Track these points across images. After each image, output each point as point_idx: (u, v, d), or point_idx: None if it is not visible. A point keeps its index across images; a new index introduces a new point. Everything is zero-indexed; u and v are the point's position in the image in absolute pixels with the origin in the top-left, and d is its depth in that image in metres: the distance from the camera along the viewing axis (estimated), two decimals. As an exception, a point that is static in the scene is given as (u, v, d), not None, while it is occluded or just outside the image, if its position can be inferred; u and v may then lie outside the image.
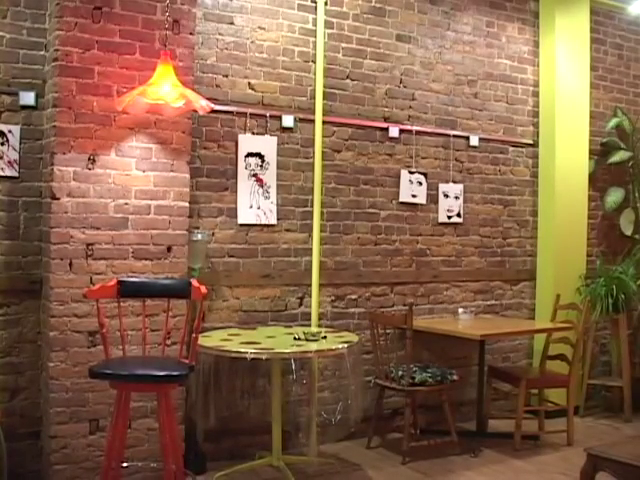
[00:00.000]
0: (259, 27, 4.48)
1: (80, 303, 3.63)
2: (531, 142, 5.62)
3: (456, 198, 5.25)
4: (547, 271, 5.55)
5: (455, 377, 4.56)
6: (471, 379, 5.15)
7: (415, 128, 5.06)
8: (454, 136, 5.24)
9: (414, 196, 5.08)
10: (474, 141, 5.32)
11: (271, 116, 4.48)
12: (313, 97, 4.64)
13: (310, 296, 4.61)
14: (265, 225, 4.48)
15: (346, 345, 3.87)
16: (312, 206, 4.64)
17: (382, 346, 4.51)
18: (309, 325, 4.56)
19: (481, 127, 5.39)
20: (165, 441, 3.34)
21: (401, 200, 5.02)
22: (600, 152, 5.87)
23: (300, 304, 4.61)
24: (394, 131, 4.97)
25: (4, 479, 3.48)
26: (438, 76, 5.19)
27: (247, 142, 4.39)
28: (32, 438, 3.78)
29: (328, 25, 4.71)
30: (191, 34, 3.93)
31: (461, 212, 5.28)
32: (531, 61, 5.63)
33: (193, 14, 3.96)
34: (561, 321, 5.13)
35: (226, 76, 4.37)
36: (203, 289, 3.38)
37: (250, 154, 4.41)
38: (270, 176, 4.48)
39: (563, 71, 5.51)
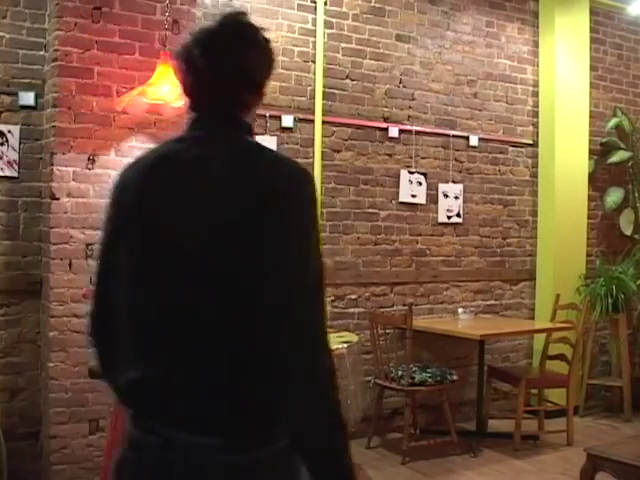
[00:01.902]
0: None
1: (80, 303, 3.62)
2: (531, 142, 5.63)
3: (456, 198, 5.25)
4: (547, 271, 5.55)
5: (455, 377, 4.55)
6: (471, 379, 5.15)
7: (415, 128, 5.06)
8: (454, 136, 5.24)
9: (414, 196, 5.08)
10: (474, 141, 5.33)
11: (271, 116, 4.48)
12: (313, 97, 4.64)
13: (310, 296, 4.60)
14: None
15: (346, 345, 3.87)
16: (312, 206, 4.63)
17: (382, 346, 4.51)
18: (309, 325, 4.55)
19: (481, 127, 5.39)
20: (165, 441, 3.34)
21: (401, 200, 5.02)
22: (600, 152, 5.87)
23: (300, 304, 4.60)
24: (394, 131, 4.97)
25: (4, 479, 3.48)
26: (438, 76, 5.19)
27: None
28: (32, 438, 3.78)
29: (328, 25, 4.71)
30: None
31: (461, 212, 5.28)
32: (531, 61, 5.63)
33: (193, 14, 3.96)
34: (561, 321, 5.13)
35: (226, 76, 4.37)
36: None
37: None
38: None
39: (563, 71, 5.51)
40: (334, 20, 4.75)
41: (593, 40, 5.75)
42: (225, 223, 1.33)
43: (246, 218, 1.32)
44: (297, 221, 1.34)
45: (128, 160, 3.81)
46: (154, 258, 1.38)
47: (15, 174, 3.77)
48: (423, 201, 5.11)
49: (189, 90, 1.46)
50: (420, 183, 5.09)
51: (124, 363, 1.42)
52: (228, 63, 1.42)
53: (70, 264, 3.63)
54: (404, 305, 4.90)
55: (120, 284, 1.44)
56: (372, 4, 4.91)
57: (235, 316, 1.31)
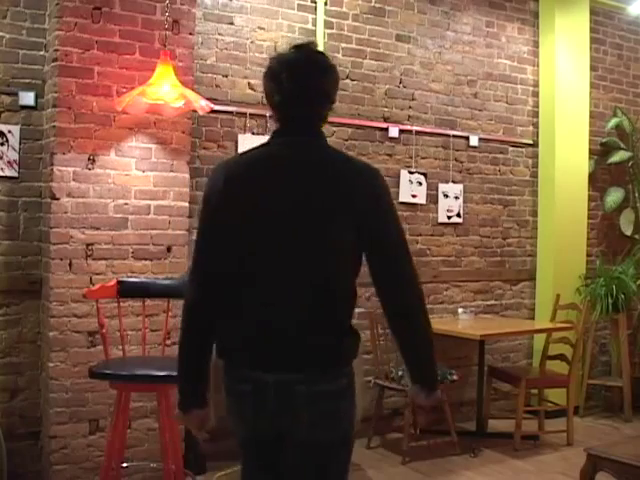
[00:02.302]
0: (259, 27, 4.48)
1: (80, 303, 3.63)
2: (531, 142, 5.62)
3: (456, 198, 5.25)
4: (547, 271, 5.55)
5: (455, 377, 4.55)
6: (471, 379, 5.14)
7: (415, 128, 5.06)
8: (454, 136, 5.24)
9: (414, 196, 5.07)
10: (474, 141, 5.32)
11: (271, 116, 4.47)
12: (313, 97, 4.63)
13: (310, 296, 4.60)
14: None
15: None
16: (312, 206, 4.63)
17: (382, 346, 4.51)
18: (309, 325, 4.55)
19: (481, 127, 5.39)
20: (165, 441, 3.34)
21: (401, 200, 5.02)
22: (600, 152, 5.87)
23: (300, 304, 4.60)
24: (394, 131, 4.97)
25: (4, 479, 3.48)
26: (438, 76, 5.19)
27: (247, 142, 4.38)
28: (32, 438, 3.79)
29: (328, 25, 4.71)
30: (191, 34, 3.93)
31: (461, 212, 5.28)
32: (531, 61, 5.63)
33: (193, 14, 3.96)
34: (561, 321, 5.13)
35: (226, 76, 4.38)
36: (203, 289, 3.38)
37: (250, 154, 4.40)
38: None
39: (563, 71, 5.51)
40: (334, 20, 4.74)
41: (593, 40, 5.75)
42: (321, 206, 1.81)
43: (337, 202, 1.82)
44: (378, 205, 1.91)
45: (128, 160, 3.77)
46: (268, 233, 1.81)
47: (15, 174, 3.77)
48: (423, 201, 5.11)
49: (276, 105, 1.88)
50: (420, 183, 5.09)
51: (223, 324, 1.87)
52: (309, 85, 1.85)
53: (70, 264, 3.63)
54: (404, 305, 4.89)
55: (223, 256, 1.84)
56: (372, 4, 4.91)
57: (326, 275, 1.83)
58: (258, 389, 1.83)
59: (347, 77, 4.81)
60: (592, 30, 5.72)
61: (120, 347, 3.48)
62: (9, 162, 3.75)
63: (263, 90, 1.93)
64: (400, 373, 4.43)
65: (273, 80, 1.86)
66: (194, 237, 4.02)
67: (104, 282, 3.55)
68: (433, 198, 5.16)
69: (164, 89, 3.56)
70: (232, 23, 4.40)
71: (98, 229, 3.70)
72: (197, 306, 1.87)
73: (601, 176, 5.91)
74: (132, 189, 3.78)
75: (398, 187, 5.00)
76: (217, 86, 4.34)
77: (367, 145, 4.89)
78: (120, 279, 3.54)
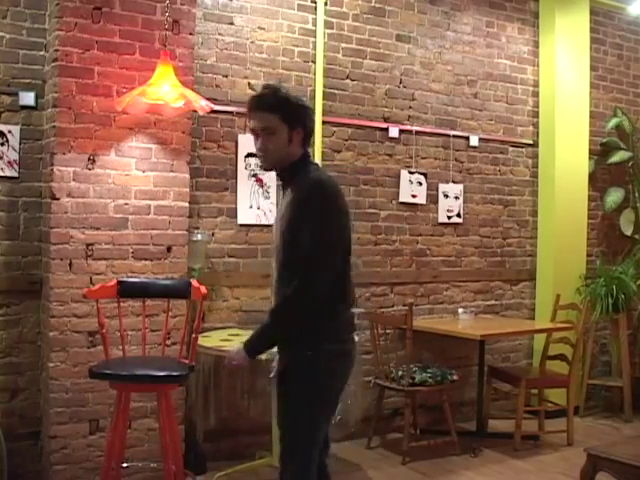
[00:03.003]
0: (259, 27, 4.48)
1: (80, 303, 3.63)
2: (531, 142, 5.62)
3: (456, 198, 5.25)
4: (547, 271, 5.55)
5: (455, 377, 4.55)
6: (471, 379, 5.15)
7: (415, 128, 5.06)
8: (454, 136, 5.24)
9: (414, 196, 5.07)
10: (474, 141, 5.32)
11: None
12: (313, 97, 4.63)
13: (310, 296, 4.59)
14: (265, 225, 4.47)
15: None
16: (312, 206, 4.62)
17: (382, 346, 4.51)
18: (309, 325, 4.55)
19: (481, 127, 5.39)
20: (165, 441, 3.34)
21: (401, 200, 5.02)
22: (600, 152, 5.87)
23: (300, 304, 4.60)
24: (394, 131, 4.97)
25: (4, 479, 3.48)
26: (438, 76, 5.19)
27: (247, 142, 4.39)
28: (32, 438, 3.79)
29: (328, 25, 4.71)
30: (191, 34, 3.93)
31: (461, 212, 5.28)
32: (531, 61, 5.62)
33: (193, 14, 3.96)
34: (561, 321, 5.13)
35: (226, 76, 4.38)
36: (203, 289, 3.38)
37: (250, 154, 4.40)
38: (270, 176, 4.47)
39: (563, 71, 5.51)
40: (334, 20, 4.74)
41: (593, 40, 5.75)
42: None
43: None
44: None
45: (128, 160, 3.78)
46: (348, 242, 2.55)
47: (15, 174, 3.77)
48: (423, 201, 5.11)
49: (305, 139, 2.54)
50: (420, 183, 5.09)
51: (333, 304, 2.51)
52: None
53: (70, 264, 3.63)
54: (404, 305, 4.89)
55: (341, 258, 2.51)
56: (372, 4, 4.90)
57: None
58: (354, 346, 2.61)
59: (347, 77, 4.81)
60: (592, 30, 5.72)
61: (120, 347, 3.48)
62: (9, 162, 3.75)
63: (305, 128, 2.52)
64: (400, 373, 4.43)
65: (306, 121, 2.53)
66: (194, 237, 4.06)
67: (104, 282, 3.55)
68: (433, 198, 5.16)
69: (164, 89, 3.56)
70: (232, 23, 4.40)
71: (98, 229, 3.70)
72: (316, 299, 2.39)
73: (601, 176, 5.91)
74: (132, 189, 3.78)
75: (398, 187, 5.01)
76: (217, 86, 4.34)
77: (367, 145, 4.89)
78: (120, 279, 3.54)
